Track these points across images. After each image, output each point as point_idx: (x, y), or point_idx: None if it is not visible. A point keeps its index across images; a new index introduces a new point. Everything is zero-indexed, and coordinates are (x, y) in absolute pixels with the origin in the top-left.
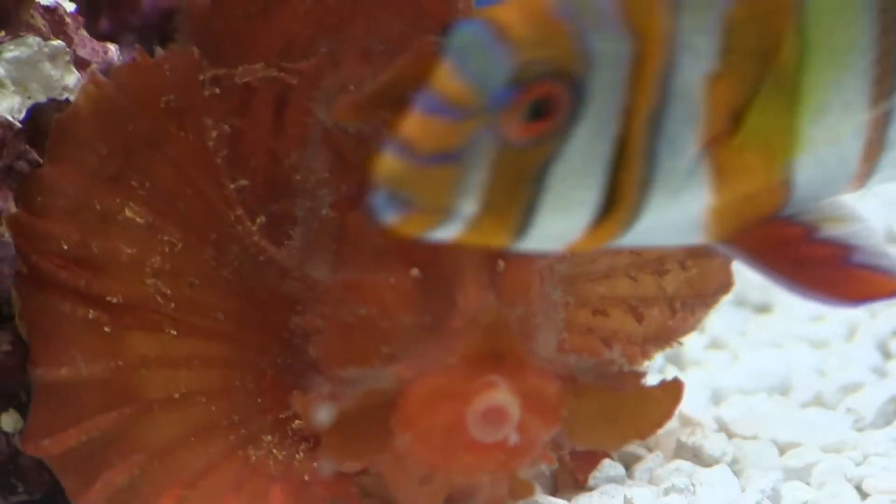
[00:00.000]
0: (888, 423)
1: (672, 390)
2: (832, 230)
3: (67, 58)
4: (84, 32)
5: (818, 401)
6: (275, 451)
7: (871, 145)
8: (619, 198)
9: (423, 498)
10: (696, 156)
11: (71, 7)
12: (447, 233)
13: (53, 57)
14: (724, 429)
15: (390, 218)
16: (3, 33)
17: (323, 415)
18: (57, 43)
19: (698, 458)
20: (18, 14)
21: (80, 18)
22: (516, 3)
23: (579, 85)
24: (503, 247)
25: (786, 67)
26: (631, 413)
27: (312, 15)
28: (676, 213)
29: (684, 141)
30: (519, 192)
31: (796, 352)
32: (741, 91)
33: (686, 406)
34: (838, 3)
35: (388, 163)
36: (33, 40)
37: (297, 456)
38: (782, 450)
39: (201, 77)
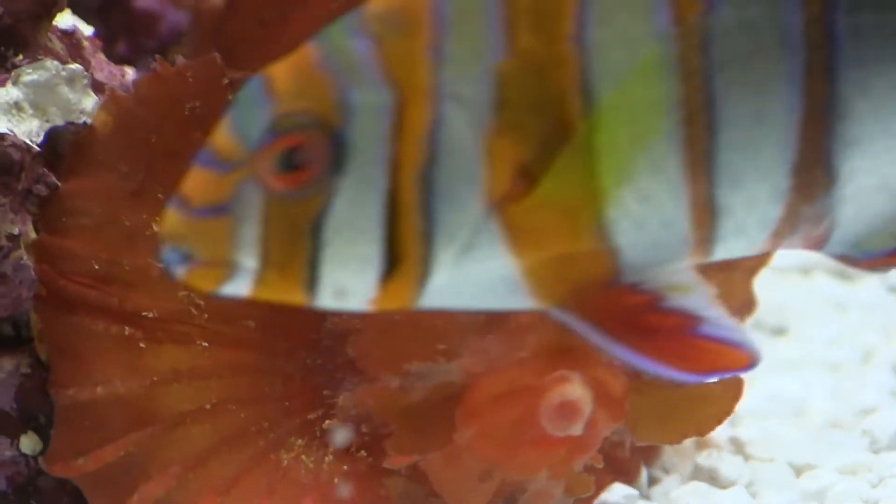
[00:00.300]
0: None
1: (732, 387)
2: (679, 299)
3: (85, 81)
4: (102, 56)
5: (834, 423)
6: (304, 456)
7: (699, 210)
8: (403, 254)
9: (475, 495)
10: (482, 213)
11: (89, 31)
12: (238, 288)
13: (71, 80)
14: (740, 451)
15: (178, 272)
16: (20, 57)
17: (340, 436)
18: (75, 66)
19: (714, 479)
20: (36, 38)
21: (98, 42)
22: (288, 58)
23: (339, 137)
24: (299, 304)
25: (574, 124)
26: (691, 409)
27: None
28: (479, 273)
29: (463, 197)
30: (297, 247)
31: (812, 375)
32: (527, 147)
33: None
34: (628, 59)
35: (168, 217)
36: (51, 64)
37: (326, 458)
38: (798, 472)
39: (225, 81)
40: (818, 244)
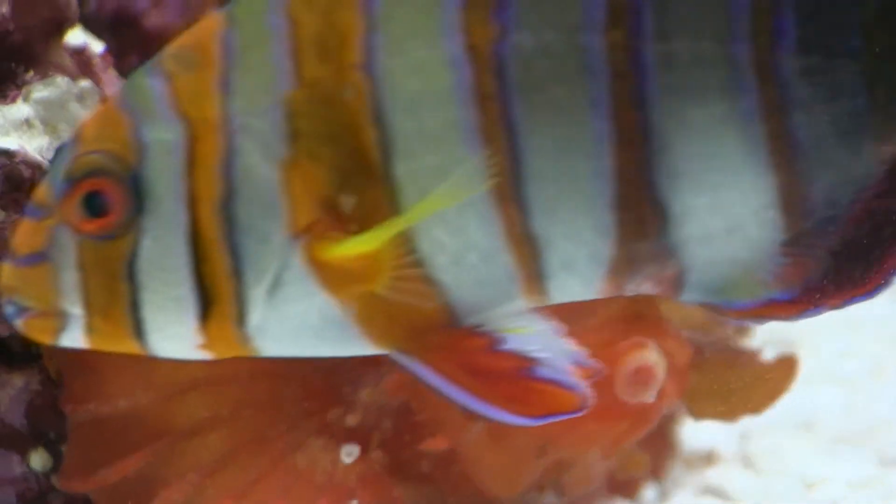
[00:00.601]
0: None
1: (787, 366)
2: (516, 341)
3: (96, 98)
4: (113, 72)
5: (844, 437)
6: (320, 457)
7: (517, 243)
8: (216, 292)
9: (520, 475)
10: (286, 247)
11: (100, 47)
12: (74, 338)
13: (82, 97)
14: (750, 465)
15: (17, 324)
16: (31, 73)
17: (346, 456)
18: (85, 83)
19: (724, 493)
20: (47, 54)
21: (109, 58)
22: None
23: (137, 176)
24: (136, 353)
25: (371, 154)
26: (747, 388)
27: None
28: (302, 314)
29: (266, 231)
30: (116, 292)
31: (822, 388)
32: (326, 178)
33: (713, 442)
34: (420, 87)
35: (2, 269)
36: (62, 80)
37: (342, 459)
38: (808, 486)
39: None
40: (672, 289)
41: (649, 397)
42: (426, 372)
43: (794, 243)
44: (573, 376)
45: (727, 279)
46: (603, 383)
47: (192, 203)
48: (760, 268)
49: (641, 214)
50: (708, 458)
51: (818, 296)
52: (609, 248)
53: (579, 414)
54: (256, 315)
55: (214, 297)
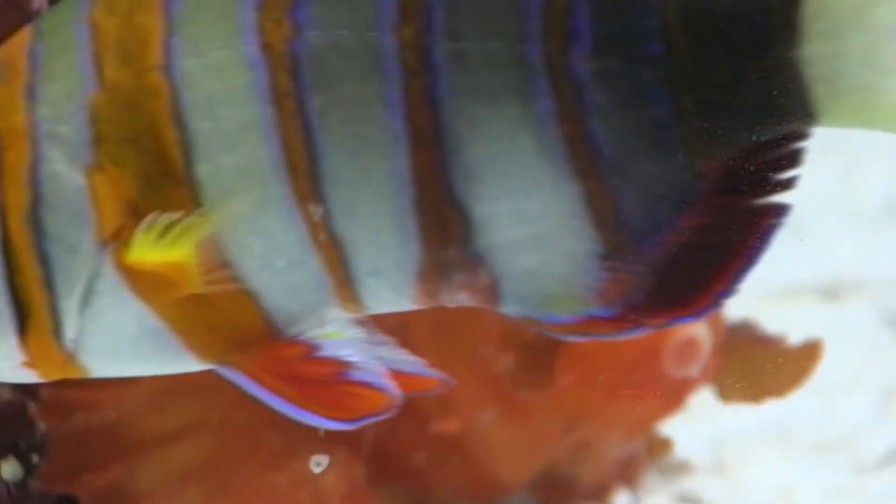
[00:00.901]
0: (890, 468)
1: (811, 351)
2: (331, 347)
3: None
4: None
5: (820, 446)
6: (308, 462)
7: (322, 246)
8: (30, 304)
9: (530, 457)
10: (95, 254)
11: None
12: None
13: None
14: (724, 474)
15: None
16: None
17: (314, 466)
18: None
19: (699, 502)
20: None
21: None
22: None
23: None
24: None
25: (171, 156)
26: (773, 370)
27: None
28: (119, 325)
29: (73, 238)
30: None
31: (798, 397)
32: (131, 183)
33: (686, 451)
34: (217, 87)
35: None
36: None
37: (327, 465)
38: (784, 495)
39: None
40: (488, 300)
41: (694, 372)
42: (246, 382)
43: (613, 258)
44: (384, 377)
45: (544, 292)
46: (643, 357)
47: (3, 213)
48: (578, 282)
49: (443, 219)
50: (682, 466)
51: (640, 314)
52: (414, 253)
53: (388, 415)
54: (72, 328)
55: (30, 310)
